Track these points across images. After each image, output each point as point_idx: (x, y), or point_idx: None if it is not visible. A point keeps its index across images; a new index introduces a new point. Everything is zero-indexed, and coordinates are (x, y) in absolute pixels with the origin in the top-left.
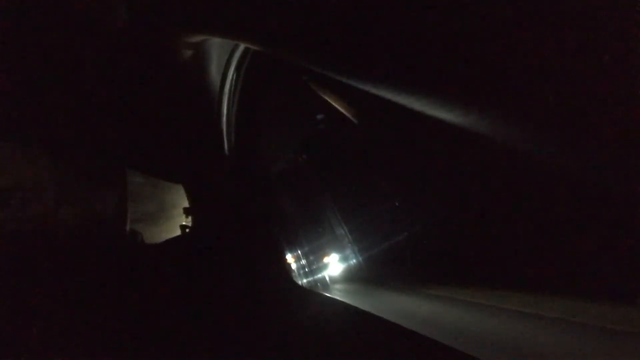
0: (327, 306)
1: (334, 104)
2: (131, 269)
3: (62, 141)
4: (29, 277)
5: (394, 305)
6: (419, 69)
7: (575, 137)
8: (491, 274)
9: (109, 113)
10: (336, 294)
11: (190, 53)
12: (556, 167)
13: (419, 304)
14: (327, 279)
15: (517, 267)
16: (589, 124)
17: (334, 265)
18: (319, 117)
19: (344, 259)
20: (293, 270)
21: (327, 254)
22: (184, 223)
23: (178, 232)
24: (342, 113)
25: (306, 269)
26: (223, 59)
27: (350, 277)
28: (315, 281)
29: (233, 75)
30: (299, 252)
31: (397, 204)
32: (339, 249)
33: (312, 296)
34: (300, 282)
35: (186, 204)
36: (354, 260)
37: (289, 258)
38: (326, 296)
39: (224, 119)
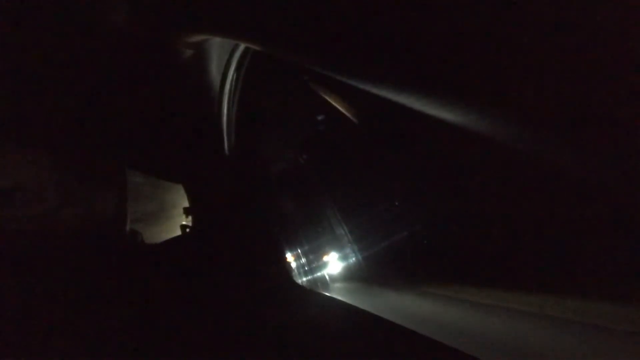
0: (326, 305)
1: (334, 103)
2: (131, 269)
3: (62, 141)
4: (29, 277)
5: (393, 304)
6: (419, 69)
7: (575, 137)
8: (491, 273)
9: (109, 113)
10: (336, 292)
11: (191, 53)
12: (556, 167)
13: (419, 303)
14: (327, 277)
15: (517, 266)
16: (589, 123)
17: (333, 264)
18: (319, 117)
19: (344, 257)
20: (293, 269)
21: (327, 253)
22: (184, 223)
23: (178, 232)
24: (342, 113)
25: (306, 268)
26: (223, 59)
27: (350, 275)
28: (315, 280)
29: (233, 75)
30: (299, 251)
31: (397, 203)
32: (339, 248)
33: (311, 295)
34: (300, 281)
35: (186, 204)
36: (354, 259)
37: (289, 257)
38: (326, 295)
39: (224, 118)
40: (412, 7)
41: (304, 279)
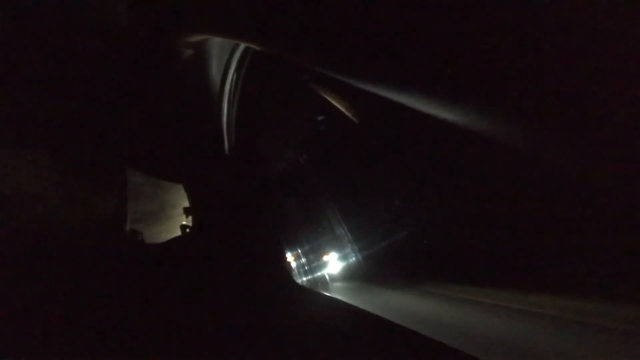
0: (326, 305)
1: (334, 103)
2: (131, 269)
3: (62, 141)
4: (30, 277)
5: (393, 304)
6: (419, 69)
7: (575, 137)
8: (491, 273)
9: (109, 113)
10: (336, 292)
11: (191, 53)
12: (556, 167)
13: (419, 303)
14: (327, 277)
15: (517, 266)
16: (589, 123)
17: (333, 263)
18: (319, 117)
19: (344, 257)
20: (293, 269)
21: (327, 253)
22: (184, 223)
23: (178, 232)
24: (342, 113)
25: (306, 268)
26: (223, 59)
27: (349, 275)
28: (315, 280)
29: (233, 75)
30: (299, 250)
31: (396, 203)
32: (339, 247)
33: (311, 295)
34: (300, 281)
35: (186, 204)
36: (354, 259)
37: (289, 257)
38: (326, 295)
39: (224, 118)
40: (413, 7)
41: (304, 278)
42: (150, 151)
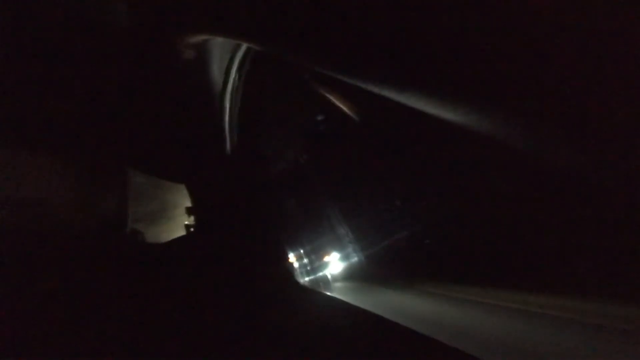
0: (328, 304)
1: (335, 102)
2: (132, 269)
3: (63, 142)
4: (30, 277)
5: (394, 304)
6: (420, 68)
7: (576, 137)
8: (492, 273)
9: (111, 113)
10: (337, 292)
11: (192, 53)
12: (557, 167)
13: (420, 302)
14: (329, 277)
15: (517, 266)
16: (589, 123)
17: (335, 264)
18: (320, 117)
19: (345, 257)
20: (295, 269)
21: (329, 253)
22: (187, 222)
23: (180, 232)
24: (343, 112)
25: (308, 268)
26: (225, 59)
27: (351, 275)
28: (317, 280)
29: (235, 75)
30: (301, 251)
31: (397, 203)
32: (340, 247)
33: (313, 294)
34: (302, 281)
35: (188, 204)
36: (355, 259)
37: (291, 257)
38: (327, 295)
39: (226, 118)
40: (414, 8)
41: (306, 278)
42: (152, 151)
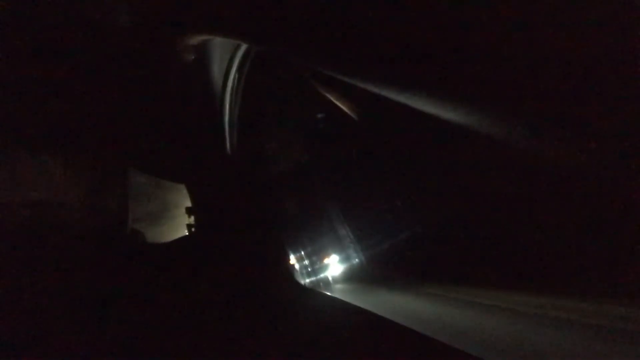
0: (329, 305)
1: (336, 102)
2: (133, 268)
3: (64, 142)
4: (31, 277)
5: (395, 305)
6: (420, 68)
7: (576, 137)
8: (493, 274)
9: (112, 114)
10: (338, 293)
11: (193, 53)
12: (557, 167)
13: (421, 303)
14: (330, 278)
15: (518, 266)
16: (589, 123)
17: (336, 265)
18: (321, 116)
19: (346, 258)
20: (296, 270)
21: (329, 254)
22: (188, 222)
23: (180, 232)
24: (344, 112)
25: (309, 269)
26: (225, 59)
27: (352, 276)
28: (318, 281)
29: (235, 75)
30: (302, 252)
31: (398, 203)
32: (341, 248)
33: (314, 296)
34: (303, 282)
35: (188, 204)
36: (356, 260)
37: (292, 258)
38: (328, 296)
39: (226, 118)
40: (414, 8)
41: (307, 280)
42: (153, 151)
